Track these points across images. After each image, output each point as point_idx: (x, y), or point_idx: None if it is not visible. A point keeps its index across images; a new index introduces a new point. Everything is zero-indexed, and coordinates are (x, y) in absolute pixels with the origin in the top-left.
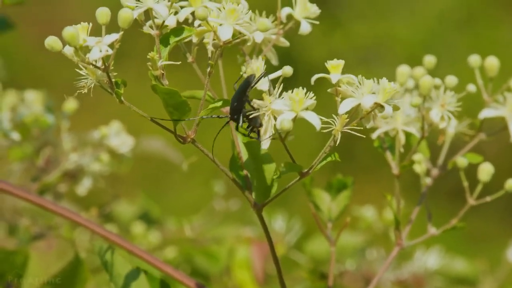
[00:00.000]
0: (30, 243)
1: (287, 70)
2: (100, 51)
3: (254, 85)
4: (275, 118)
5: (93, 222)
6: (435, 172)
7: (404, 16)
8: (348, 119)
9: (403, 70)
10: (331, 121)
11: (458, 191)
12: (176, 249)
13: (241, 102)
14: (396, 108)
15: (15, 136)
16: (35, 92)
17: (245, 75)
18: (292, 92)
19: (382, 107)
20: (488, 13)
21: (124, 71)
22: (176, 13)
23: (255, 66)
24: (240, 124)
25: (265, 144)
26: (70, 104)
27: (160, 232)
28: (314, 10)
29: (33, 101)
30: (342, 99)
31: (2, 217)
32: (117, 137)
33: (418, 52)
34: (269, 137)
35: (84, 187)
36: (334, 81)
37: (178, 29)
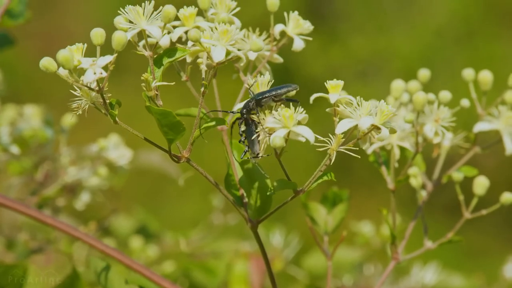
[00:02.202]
0: (28, 257)
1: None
2: (94, 73)
3: (281, 96)
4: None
5: (91, 237)
6: (429, 186)
7: (402, 31)
8: (344, 139)
9: (397, 85)
10: (327, 140)
11: (455, 205)
12: (174, 263)
13: (261, 102)
14: (393, 131)
15: (14, 149)
16: (34, 107)
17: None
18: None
19: (379, 128)
20: (486, 28)
21: (122, 83)
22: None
23: (263, 80)
24: (240, 129)
25: (256, 159)
26: (69, 119)
27: (158, 246)
28: (307, 26)
29: (32, 115)
30: (340, 119)
31: (0, 231)
32: (116, 149)
33: (416, 66)
34: (260, 156)
35: (82, 201)
36: (332, 101)
37: (171, 50)
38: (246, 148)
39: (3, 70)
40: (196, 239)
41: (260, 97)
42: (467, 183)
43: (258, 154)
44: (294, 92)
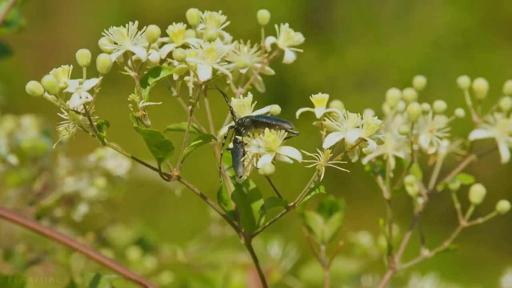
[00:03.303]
0: (26, 268)
1: (275, 108)
2: (80, 97)
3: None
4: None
5: (89, 248)
6: (425, 195)
7: (399, 42)
8: (332, 154)
9: (393, 93)
10: (315, 156)
11: (451, 215)
12: (172, 275)
13: (256, 124)
14: (380, 142)
15: (13, 160)
16: (32, 117)
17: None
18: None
19: (366, 141)
20: (483, 39)
21: (118, 92)
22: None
23: (242, 102)
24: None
25: (240, 180)
26: (64, 134)
27: (155, 257)
28: (298, 38)
29: (30, 126)
30: (327, 132)
31: None
32: (114, 159)
33: (413, 77)
34: (244, 177)
35: (79, 213)
36: (318, 115)
37: (156, 69)
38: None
39: (0, 81)
40: (194, 250)
41: (260, 119)
42: (463, 192)
43: (241, 176)
44: (278, 111)
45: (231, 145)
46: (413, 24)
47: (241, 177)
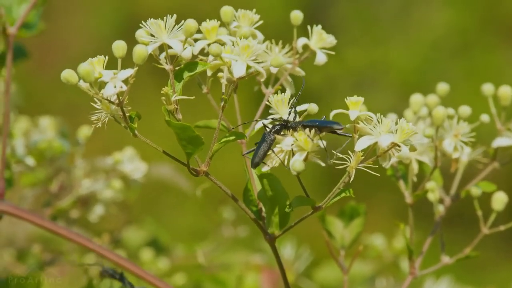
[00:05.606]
0: (41, 269)
1: (313, 107)
2: (115, 87)
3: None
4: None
5: (105, 249)
6: (447, 201)
7: (398, 43)
8: (363, 157)
9: (416, 98)
10: (346, 157)
11: (456, 220)
12: (185, 276)
13: (295, 127)
14: (413, 148)
15: (30, 161)
16: (50, 118)
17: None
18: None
19: (399, 146)
20: (482, 40)
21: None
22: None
23: (284, 97)
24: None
25: (265, 167)
26: (84, 130)
27: (168, 258)
28: (330, 40)
29: (47, 127)
30: (360, 136)
31: (12, 243)
32: (131, 163)
33: (412, 78)
34: (269, 165)
35: (95, 214)
36: (352, 118)
37: (191, 64)
38: (253, 150)
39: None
40: (206, 251)
41: (308, 123)
42: (468, 197)
43: (255, 165)
44: (316, 109)
45: (267, 123)
46: (412, 25)
47: (254, 167)
